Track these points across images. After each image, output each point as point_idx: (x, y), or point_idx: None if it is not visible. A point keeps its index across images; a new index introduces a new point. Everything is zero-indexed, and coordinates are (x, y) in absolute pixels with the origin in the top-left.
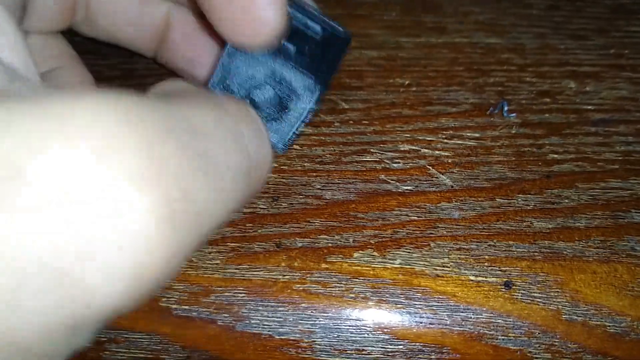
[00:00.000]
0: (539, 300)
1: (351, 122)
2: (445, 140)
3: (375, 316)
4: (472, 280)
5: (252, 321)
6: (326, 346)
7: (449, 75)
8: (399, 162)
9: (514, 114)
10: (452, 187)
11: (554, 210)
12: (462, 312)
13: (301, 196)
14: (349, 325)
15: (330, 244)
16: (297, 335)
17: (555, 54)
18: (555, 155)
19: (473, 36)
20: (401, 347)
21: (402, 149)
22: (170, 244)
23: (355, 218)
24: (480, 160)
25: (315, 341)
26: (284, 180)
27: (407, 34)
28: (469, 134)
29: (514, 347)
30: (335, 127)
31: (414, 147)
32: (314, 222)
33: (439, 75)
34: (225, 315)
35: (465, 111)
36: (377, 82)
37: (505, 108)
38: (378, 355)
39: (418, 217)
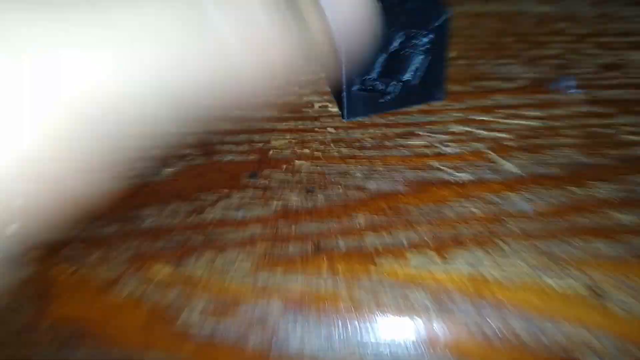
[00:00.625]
0: (636, 311)
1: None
2: (503, 120)
3: (436, 331)
4: (552, 287)
5: (292, 341)
6: None
7: (498, 46)
8: (452, 146)
9: (578, 90)
10: (518, 174)
11: (635, 200)
12: (542, 325)
13: (340, 187)
14: (406, 341)
15: (378, 244)
16: (346, 354)
17: (615, 23)
18: (632, 137)
19: (521, 4)
20: None
21: (453, 130)
22: None
23: (406, 212)
24: (546, 143)
25: None
26: (318, 168)
27: (449, 1)
28: (530, 113)
29: None
30: None
31: (467, 128)
32: (358, 218)
33: (488, 47)
34: (259, 334)
35: (522, 87)
36: None
37: (571, 84)
38: None
39: (482, 210)
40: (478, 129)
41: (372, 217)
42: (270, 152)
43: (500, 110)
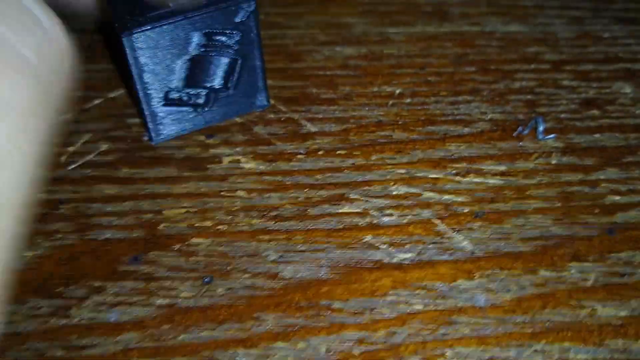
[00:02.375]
0: None
1: (321, 152)
2: (458, 178)
3: None
4: None
5: None
6: None
7: (456, 79)
8: (391, 214)
9: (552, 135)
10: (472, 253)
11: (626, 286)
12: None
13: (247, 275)
14: None
15: (291, 358)
16: None
17: (599, 45)
18: (617, 197)
19: (486, 23)
20: None
21: (394, 192)
22: None
23: (328, 310)
24: (510, 209)
25: None
26: (221, 248)
27: (396, 22)
28: (490, 168)
29: None
30: (298, 160)
31: (412, 190)
32: (266, 320)
33: (442, 80)
34: None
35: (482, 132)
36: (356, 92)
37: (541, 127)
38: None
39: (425, 305)
40: (425, 190)
41: (284, 320)
42: (161, 226)
43: (453, 165)
